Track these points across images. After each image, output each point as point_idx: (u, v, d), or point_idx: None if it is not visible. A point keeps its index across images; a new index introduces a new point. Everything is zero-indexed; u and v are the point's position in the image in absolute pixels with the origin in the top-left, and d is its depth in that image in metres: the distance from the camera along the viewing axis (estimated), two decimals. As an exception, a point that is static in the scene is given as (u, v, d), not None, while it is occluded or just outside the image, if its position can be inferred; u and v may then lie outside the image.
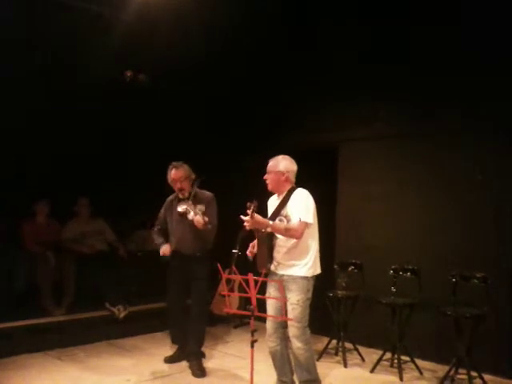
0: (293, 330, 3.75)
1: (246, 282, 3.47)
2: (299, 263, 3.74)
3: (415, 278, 4.71)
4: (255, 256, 3.90)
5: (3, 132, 5.37)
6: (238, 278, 4.16)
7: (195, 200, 4.58)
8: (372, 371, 4.67)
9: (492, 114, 4.61)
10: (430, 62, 4.93)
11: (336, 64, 5.65)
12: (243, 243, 6.14)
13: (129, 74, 5.93)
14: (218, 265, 3.85)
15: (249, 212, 3.54)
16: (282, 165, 3.84)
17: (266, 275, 3.80)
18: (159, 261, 4.73)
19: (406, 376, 4.52)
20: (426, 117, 5.02)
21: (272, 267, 3.82)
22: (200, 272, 4.62)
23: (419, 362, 4.71)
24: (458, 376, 4.30)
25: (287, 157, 3.91)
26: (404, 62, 5.10)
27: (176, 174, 4.60)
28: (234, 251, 6.05)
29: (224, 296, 5.68)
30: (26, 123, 5.66)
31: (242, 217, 3.60)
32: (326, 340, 5.10)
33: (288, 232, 3.70)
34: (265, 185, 6.42)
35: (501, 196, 4.58)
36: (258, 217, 3.59)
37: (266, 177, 3.91)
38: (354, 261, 5.17)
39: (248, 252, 3.99)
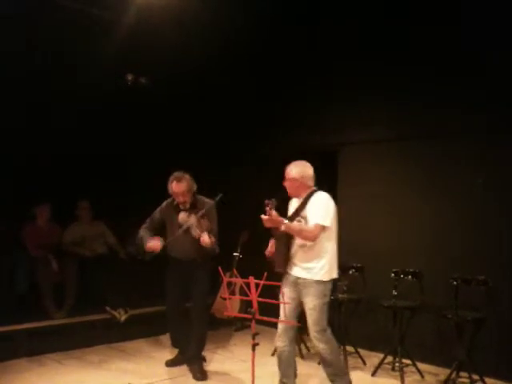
0: (313, 334, 3.80)
1: (247, 285, 3.46)
2: (315, 266, 3.77)
3: (416, 281, 4.69)
4: (273, 255, 3.94)
5: (3, 133, 5.35)
6: (239, 281, 4.15)
7: (196, 210, 4.47)
8: (373, 374, 4.67)
9: (492, 115, 4.59)
10: (430, 62, 4.91)
11: (336, 64, 5.63)
12: (244, 246, 6.14)
13: (130, 77, 5.92)
14: (219, 268, 3.85)
15: (267, 210, 3.59)
16: (295, 171, 3.87)
17: (283, 275, 3.86)
18: (144, 258, 4.56)
19: (407, 379, 4.51)
20: (426, 119, 5.00)
21: (288, 268, 3.86)
22: (200, 275, 4.59)
23: (421, 365, 4.70)
24: (460, 379, 4.29)
25: (301, 162, 3.93)
26: (404, 63, 5.08)
27: (178, 187, 4.46)
28: (235, 254, 6.04)
29: (225, 299, 5.67)
30: (26, 124, 5.65)
31: (262, 216, 3.64)
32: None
33: (302, 233, 3.73)
34: (265, 185, 6.46)
35: (503, 198, 4.56)
36: (274, 215, 3.63)
37: (284, 183, 3.94)
38: (354, 264, 5.16)
39: (266, 252, 4.02)
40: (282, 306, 3.87)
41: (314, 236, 3.70)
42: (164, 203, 4.75)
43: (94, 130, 6.07)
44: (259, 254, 6.06)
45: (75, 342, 5.31)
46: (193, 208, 4.53)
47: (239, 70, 6.18)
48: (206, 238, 4.32)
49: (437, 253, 4.87)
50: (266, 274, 3.47)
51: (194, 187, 4.55)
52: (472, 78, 4.67)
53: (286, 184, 3.92)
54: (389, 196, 5.29)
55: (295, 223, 3.79)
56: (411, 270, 4.75)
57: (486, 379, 4.26)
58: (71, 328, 5.39)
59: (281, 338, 3.90)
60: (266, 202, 3.61)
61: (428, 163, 5.04)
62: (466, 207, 4.75)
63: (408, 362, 4.64)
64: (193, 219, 4.39)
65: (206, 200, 4.62)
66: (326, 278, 3.78)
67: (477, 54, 4.62)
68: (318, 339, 3.78)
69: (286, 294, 3.85)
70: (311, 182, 3.91)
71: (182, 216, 4.50)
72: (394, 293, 4.71)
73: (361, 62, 5.36)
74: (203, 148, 6.75)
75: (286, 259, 3.85)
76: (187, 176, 4.51)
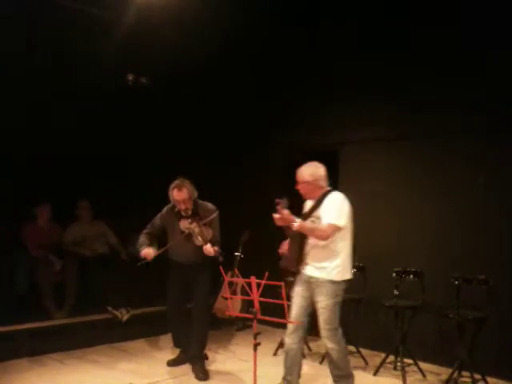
0: (323, 332, 3.82)
1: (249, 284, 3.47)
2: (328, 266, 3.77)
3: (418, 281, 4.70)
4: (286, 254, 3.98)
5: (3, 134, 5.35)
6: (240, 280, 4.16)
7: (198, 217, 4.44)
8: (375, 374, 4.68)
9: (492, 115, 4.60)
10: (430, 62, 4.92)
11: (336, 64, 5.64)
12: (245, 246, 6.15)
13: (130, 77, 5.93)
14: (221, 268, 3.85)
15: (278, 209, 3.61)
16: (307, 174, 3.86)
17: (295, 274, 3.91)
18: (137, 263, 4.58)
19: (409, 379, 4.52)
20: (426, 118, 5.01)
21: (301, 267, 3.89)
22: (202, 275, 4.60)
23: (422, 364, 4.71)
24: (461, 379, 4.30)
25: (312, 163, 3.93)
26: (404, 63, 5.09)
27: (179, 195, 4.42)
28: (236, 254, 6.05)
29: (226, 299, 5.68)
30: (26, 124, 5.66)
31: (274, 215, 3.67)
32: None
33: (315, 232, 3.74)
34: (265, 185, 6.47)
35: (503, 198, 4.57)
36: (285, 213, 3.64)
37: (297, 187, 3.94)
38: (356, 263, 5.15)
39: (280, 250, 4.05)
40: (293, 305, 3.94)
41: (327, 235, 3.70)
42: (164, 209, 4.72)
43: (94, 130, 6.07)
44: (260, 254, 6.10)
45: (76, 342, 5.31)
46: (194, 214, 4.50)
47: (239, 70, 6.19)
48: (209, 248, 4.31)
49: (438, 252, 4.88)
50: (267, 273, 3.49)
51: (195, 194, 4.52)
52: (472, 77, 4.68)
53: (299, 187, 3.92)
54: (389, 196, 5.30)
55: (308, 222, 3.80)
56: (412, 269, 4.75)
57: (488, 378, 4.27)
58: (72, 328, 5.39)
59: (291, 335, 3.92)
60: (277, 200, 3.63)
61: (428, 163, 5.05)
62: (466, 207, 4.76)
63: (410, 361, 4.65)
64: (194, 226, 4.36)
65: (209, 205, 4.60)
66: (339, 278, 3.78)
67: (477, 54, 4.63)
68: (328, 338, 3.80)
69: (299, 292, 3.89)
70: (324, 183, 3.91)
71: (184, 223, 4.44)
72: (396, 292, 4.72)
73: (361, 62, 5.37)
74: (203, 148, 6.75)
75: (300, 258, 3.87)
76: (187, 183, 4.47)
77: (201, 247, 4.37)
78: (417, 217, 5.09)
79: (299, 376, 3.98)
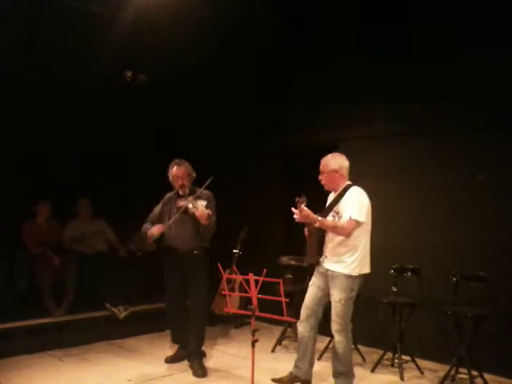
0: (335, 326, 3.87)
1: (247, 281, 3.49)
2: (346, 260, 3.83)
3: (416, 278, 4.71)
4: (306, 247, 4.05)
5: (3, 132, 5.36)
6: (238, 277, 4.18)
7: (195, 196, 4.52)
8: (373, 371, 4.67)
9: (492, 113, 4.60)
10: (429, 61, 4.92)
11: (336, 64, 5.65)
12: (244, 243, 6.17)
13: (129, 74, 5.96)
14: (219, 264, 3.87)
15: (298, 206, 3.65)
16: (334, 163, 3.93)
17: (315, 266, 4.00)
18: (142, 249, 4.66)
19: (406, 376, 4.52)
20: (426, 116, 5.01)
21: (320, 259, 3.96)
22: (199, 271, 4.61)
23: (420, 361, 4.71)
24: (459, 375, 4.30)
25: (337, 154, 4.01)
26: (404, 62, 5.09)
27: (178, 170, 4.60)
28: (234, 251, 6.06)
29: (224, 296, 5.68)
30: (26, 123, 5.67)
31: (293, 209, 3.70)
32: (327, 340, 5.08)
33: (336, 229, 3.79)
34: (265, 183, 6.48)
35: (502, 195, 4.57)
36: (307, 211, 3.68)
37: (320, 177, 3.98)
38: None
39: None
40: (307, 294, 4.03)
41: (348, 232, 3.76)
42: (164, 197, 4.81)
43: (94, 129, 6.08)
44: (259, 251, 6.10)
45: (75, 339, 5.32)
46: (191, 195, 4.58)
47: (239, 69, 6.21)
48: (202, 211, 4.30)
49: (436, 249, 4.87)
50: (265, 270, 3.50)
51: (193, 174, 4.67)
52: (472, 77, 4.67)
53: (323, 177, 3.97)
54: (388, 192, 5.29)
55: (329, 219, 3.84)
56: (410, 266, 4.77)
57: (486, 375, 4.25)
58: (71, 325, 5.40)
59: (302, 323, 4.02)
60: (297, 199, 3.66)
61: (428, 160, 5.05)
62: (465, 204, 4.76)
63: (407, 358, 4.65)
64: (190, 200, 4.43)
65: (205, 190, 4.64)
66: (355, 273, 3.83)
67: (477, 54, 4.62)
68: (338, 331, 3.85)
69: (315, 282, 3.98)
70: (347, 174, 3.96)
71: (181, 200, 4.55)
72: (394, 289, 4.74)
73: (361, 62, 5.37)
74: (203, 147, 6.76)
75: (319, 252, 3.93)
76: (186, 162, 4.66)
77: (197, 231, 4.45)
78: (416, 214, 5.09)
79: (312, 364, 4.06)
